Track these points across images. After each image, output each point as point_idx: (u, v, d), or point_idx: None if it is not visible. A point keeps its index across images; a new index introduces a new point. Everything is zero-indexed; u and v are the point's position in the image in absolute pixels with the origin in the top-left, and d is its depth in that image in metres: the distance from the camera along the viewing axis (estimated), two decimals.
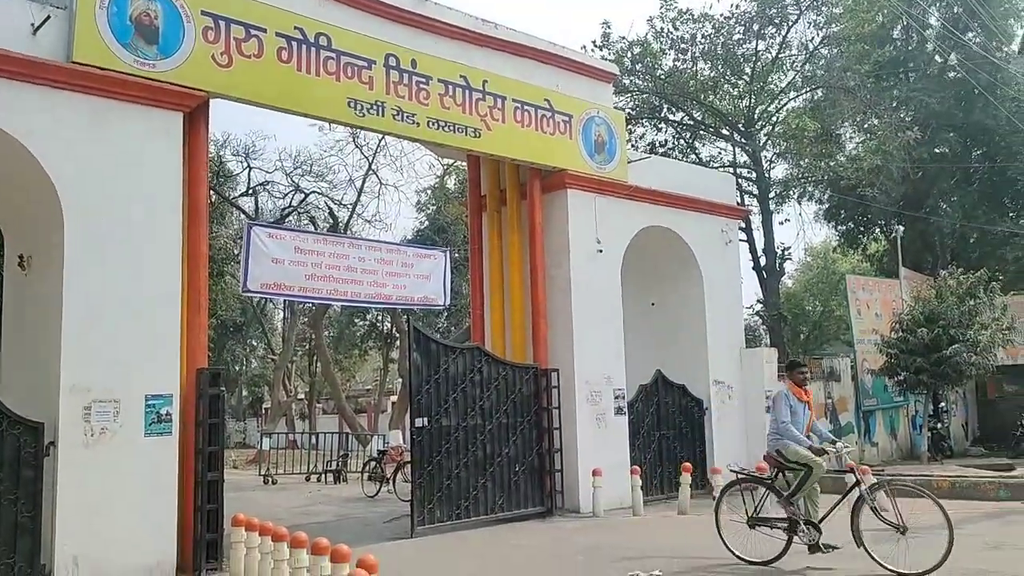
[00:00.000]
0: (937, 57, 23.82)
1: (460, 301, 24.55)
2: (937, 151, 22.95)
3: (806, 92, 22.87)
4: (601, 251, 13.29)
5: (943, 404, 20.39)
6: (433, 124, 11.29)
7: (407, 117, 11.01)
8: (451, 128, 11.50)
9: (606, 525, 11.12)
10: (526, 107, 12.46)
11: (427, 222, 29.83)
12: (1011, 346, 19.77)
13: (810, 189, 25.68)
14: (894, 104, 22.63)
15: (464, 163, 16.02)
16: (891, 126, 20.48)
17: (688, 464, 12.39)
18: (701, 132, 24.76)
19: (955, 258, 22.96)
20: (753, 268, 24.03)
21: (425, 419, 10.71)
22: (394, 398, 33.35)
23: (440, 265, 12.76)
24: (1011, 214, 23.53)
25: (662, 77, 22.29)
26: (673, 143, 24.78)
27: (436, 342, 11.46)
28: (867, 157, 20.32)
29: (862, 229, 27.17)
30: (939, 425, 19.66)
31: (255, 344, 42.06)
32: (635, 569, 7.51)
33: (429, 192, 29.01)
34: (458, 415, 11.09)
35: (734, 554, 7.80)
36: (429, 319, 30.20)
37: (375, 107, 10.69)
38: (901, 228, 21.90)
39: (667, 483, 13.53)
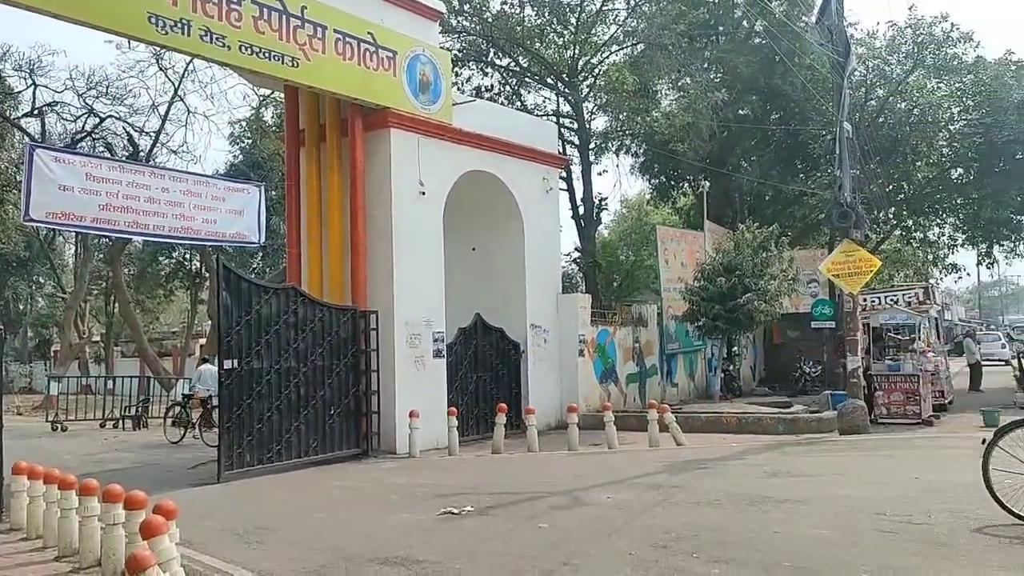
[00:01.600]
0: (745, 22, 25.27)
1: (277, 241, 23.54)
2: (742, 112, 24.50)
3: (627, 47, 23.54)
4: (424, 193, 13.14)
5: (735, 348, 22.22)
6: (246, 49, 10.55)
7: (217, 39, 10.21)
8: (266, 55, 10.81)
9: (421, 465, 11.22)
10: (348, 39, 11.94)
11: (241, 156, 28.21)
12: (795, 296, 21.77)
13: (627, 142, 26.66)
14: (705, 65, 23.83)
15: (281, 95, 15.20)
16: (702, 86, 21.58)
17: (503, 405, 12.70)
18: (527, 80, 24.94)
19: (752, 214, 24.79)
20: (572, 217, 24.77)
21: (235, 361, 10.22)
22: (203, 341, 31.72)
23: (254, 200, 12.12)
24: (801, 175, 25.65)
25: (490, 20, 22.13)
26: (499, 89, 24.80)
27: (248, 281, 10.91)
28: (679, 115, 21.34)
29: (673, 183, 28.65)
30: (731, 367, 21.42)
31: (42, 281, 38.47)
32: (447, 506, 7.62)
33: (244, 124, 27.39)
34: (271, 357, 10.68)
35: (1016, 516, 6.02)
36: (243, 259, 28.79)
37: (180, 25, 9.82)
38: (707, 184, 23.34)
39: (483, 424, 13.83)
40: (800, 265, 21.70)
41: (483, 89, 24.08)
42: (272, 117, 24.98)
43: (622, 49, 23.62)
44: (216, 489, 9.55)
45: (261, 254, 28.26)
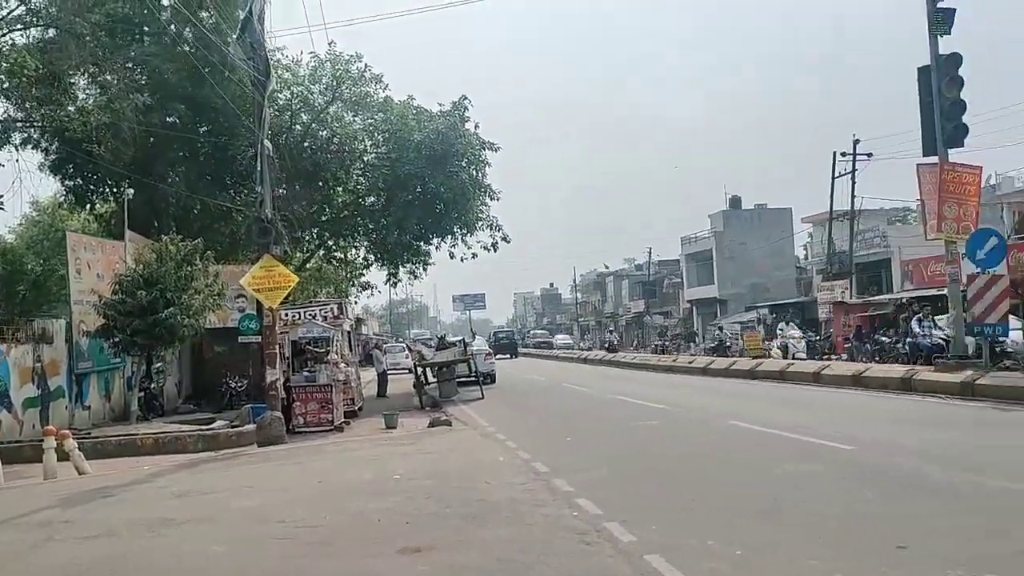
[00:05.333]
0: (173, 27, 24.39)
1: None
2: (169, 120, 23.49)
3: (36, 28, 20.68)
4: None
5: (158, 364, 21.12)
6: None
7: None
8: None
9: None
10: None
11: None
12: (221, 310, 21.66)
13: (35, 136, 23.39)
14: (129, 64, 22.28)
15: None
16: (124, 85, 20.12)
17: None
18: None
19: (180, 227, 23.92)
20: None
21: None
22: None
23: None
24: (231, 191, 25.72)
25: None
26: None
27: None
28: (96, 112, 19.53)
29: (92, 187, 26.05)
30: (152, 385, 20.29)
31: None
32: None
33: None
34: None
35: None
36: None
37: None
38: (131, 191, 21.79)
39: None
40: (227, 280, 21.71)
41: None
42: None
43: (28, 29, 20.65)
44: None
45: None
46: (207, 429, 14.89)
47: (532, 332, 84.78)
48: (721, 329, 36.84)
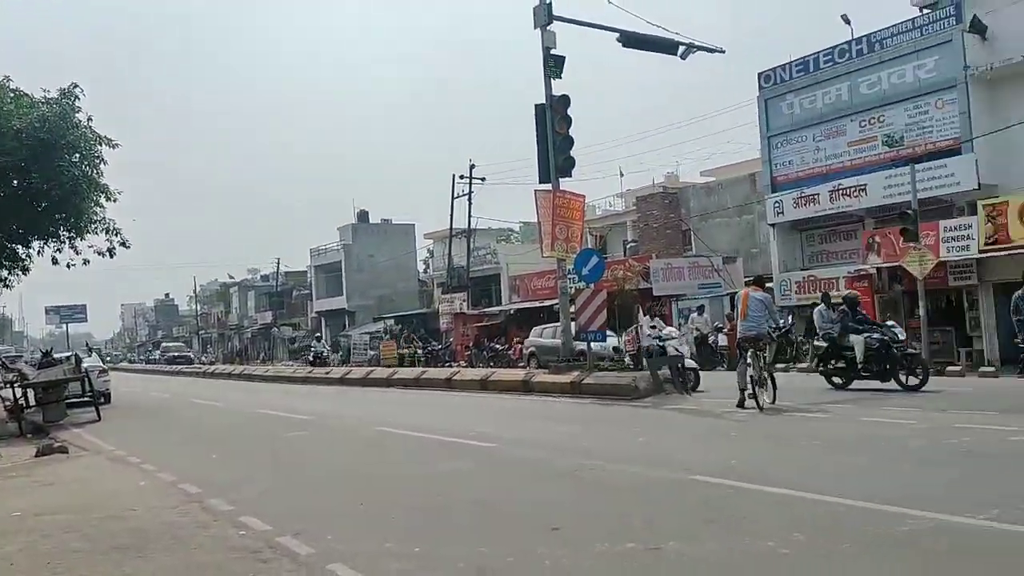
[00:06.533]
0: None
1: None
2: None
3: None
4: None
5: None
6: None
7: None
8: None
9: None
10: None
11: None
12: None
13: None
14: None
15: None
16: None
17: None
18: None
19: None
20: None
21: None
22: None
23: None
24: None
25: None
26: None
27: None
28: None
29: None
30: None
31: None
32: None
33: None
34: None
35: None
36: None
37: None
38: None
39: None
40: None
41: None
42: None
43: None
44: None
45: None
46: None
47: (164, 345, 77.78)
48: (348, 337, 37.35)
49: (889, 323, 15.49)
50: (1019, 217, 18.92)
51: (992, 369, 17.79)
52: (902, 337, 14.56)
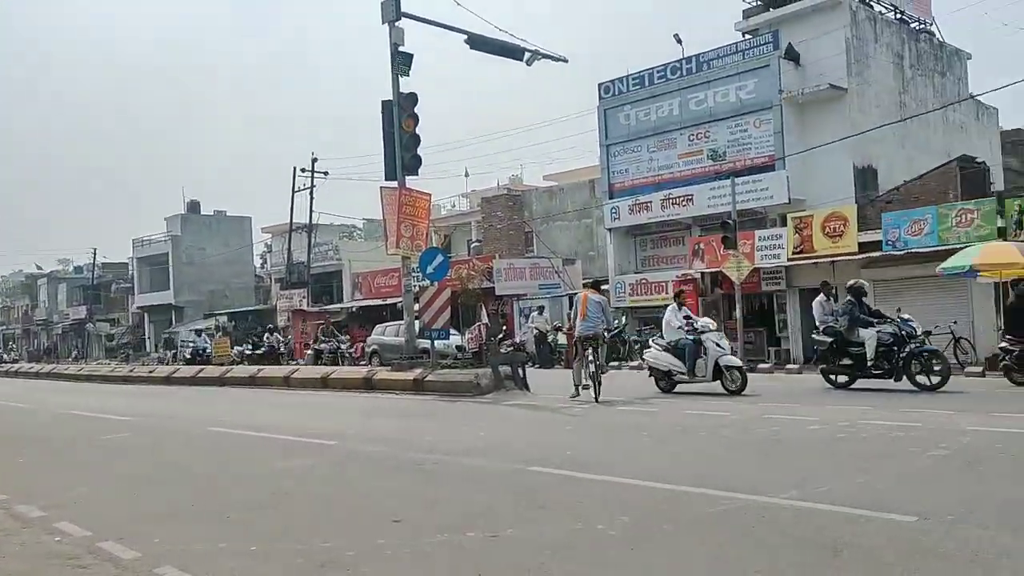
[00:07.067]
0: None
1: None
2: None
3: None
4: None
5: None
6: None
7: None
8: None
9: None
10: None
11: None
12: None
13: None
14: None
15: None
16: None
17: None
18: None
19: None
20: None
21: None
22: None
23: None
24: None
25: None
26: None
27: None
28: None
29: None
30: None
31: None
32: None
33: None
34: None
35: None
36: None
37: None
38: None
39: None
40: None
41: None
42: None
43: None
44: None
45: None
46: None
47: None
48: (199, 333, 35.42)
49: (904, 316, 13.38)
50: (821, 229, 20.98)
51: (796, 366, 19.59)
52: (920, 332, 12.94)
